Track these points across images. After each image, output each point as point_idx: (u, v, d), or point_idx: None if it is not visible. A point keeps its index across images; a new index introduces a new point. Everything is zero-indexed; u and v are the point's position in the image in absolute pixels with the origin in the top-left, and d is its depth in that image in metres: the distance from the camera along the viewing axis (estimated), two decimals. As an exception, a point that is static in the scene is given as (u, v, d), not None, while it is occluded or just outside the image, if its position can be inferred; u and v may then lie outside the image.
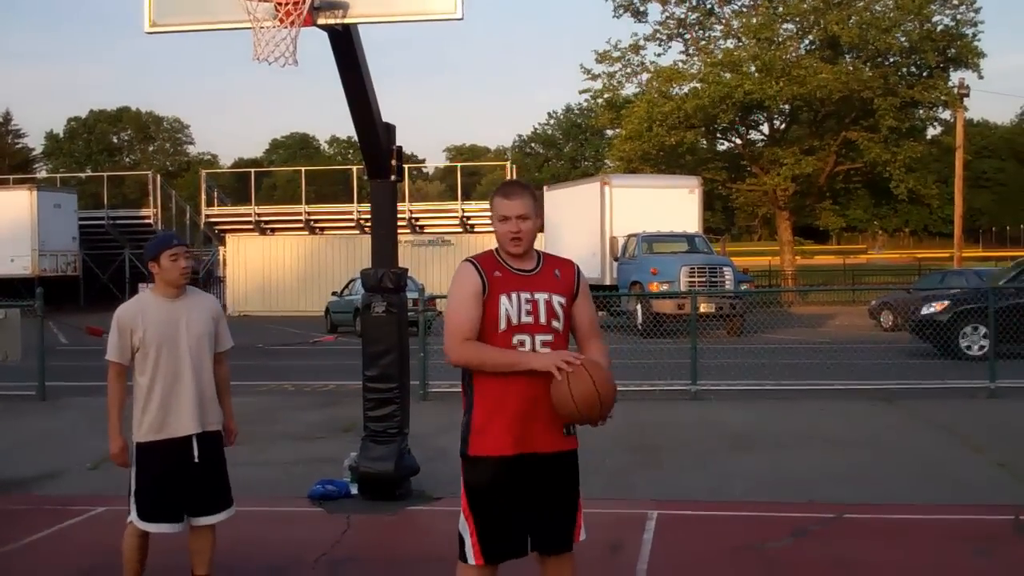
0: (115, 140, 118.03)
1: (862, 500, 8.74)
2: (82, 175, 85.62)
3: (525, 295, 4.62)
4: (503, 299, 4.59)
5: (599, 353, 4.78)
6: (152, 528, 5.80)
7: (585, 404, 4.45)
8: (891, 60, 46.22)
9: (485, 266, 4.66)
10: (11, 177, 59.08)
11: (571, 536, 4.73)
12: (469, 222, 44.31)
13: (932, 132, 53.40)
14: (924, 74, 46.45)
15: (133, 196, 77.07)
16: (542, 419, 4.58)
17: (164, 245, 5.88)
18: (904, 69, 47.08)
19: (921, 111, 48.47)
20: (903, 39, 44.51)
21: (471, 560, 4.61)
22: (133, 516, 5.82)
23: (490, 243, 32.50)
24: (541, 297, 4.64)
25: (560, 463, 4.67)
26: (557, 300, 4.67)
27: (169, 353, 5.79)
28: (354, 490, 9.06)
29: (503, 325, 4.58)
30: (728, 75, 44.65)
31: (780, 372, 16.88)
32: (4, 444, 12.24)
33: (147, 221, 46.18)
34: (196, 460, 5.83)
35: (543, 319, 4.63)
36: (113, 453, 5.83)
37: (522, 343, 4.58)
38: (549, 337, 4.63)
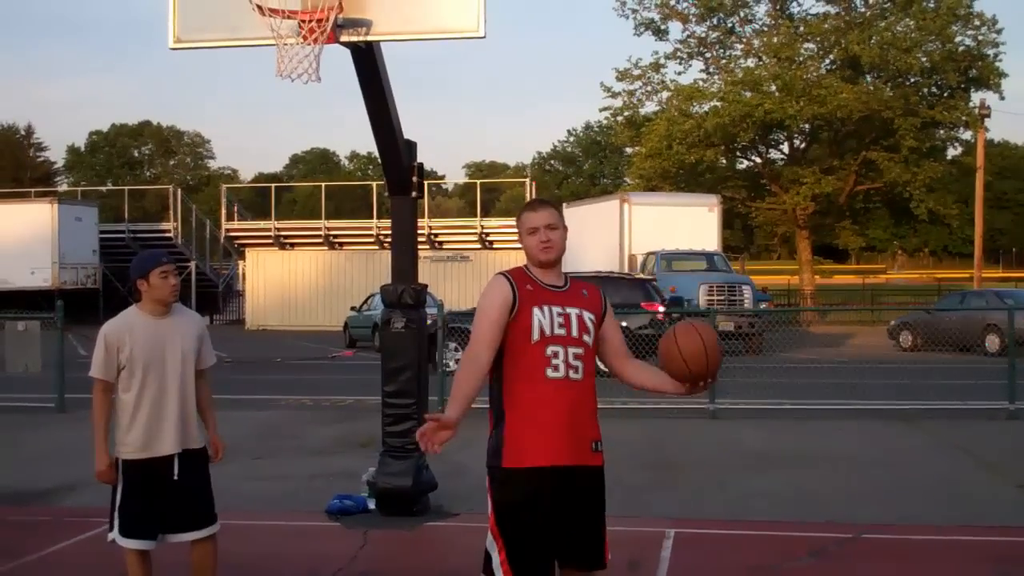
0: (136, 154, 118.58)
1: (880, 521, 8.71)
2: (103, 188, 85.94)
3: (557, 308, 4.65)
4: (536, 311, 4.61)
5: (639, 366, 4.93)
6: (128, 544, 5.77)
7: (693, 359, 4.68)
8: (912, 80, 46.13)
9: (517, 279, 4.69)
10: (33, 190, 59.38)
11: (603, 553, 4.72)
12: (488, 238, 44.30)
13: (953, 152, 53.28)
14: (945, 94, 46.36)
15: (154, 210, 77.50)
16: (573, 432, 4.59)
17: (154, 263, 5.82)
18: (925, 89, 46.99)
19: (942, 131, 48.36)
20: (924, 59, 44.45)
21: None
22: (114, 533, 5.81)
23: (509, 259, 32.63)
24: (573, 311, 4.68)
25: (588, 478, 4.66)
26: (588, 316, 4.72)
27: (156, 372, 5.77)
28: (372, 505, 9.07)
29: (536, 336, 4.59)
30: (748, 94, 44.62)
31: (799, 391, 16.84)
32: (24, 455, 12.31)
33: (167, 235, 46.36)
34: (176, 478, 5.81)
35: (575, 332, 4.65)
36: (99, 471, 5.79)
37: (556, 354, 4.59)
38: (580, 350, 4.65)
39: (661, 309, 21.14)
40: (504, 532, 4.58)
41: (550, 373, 4.59)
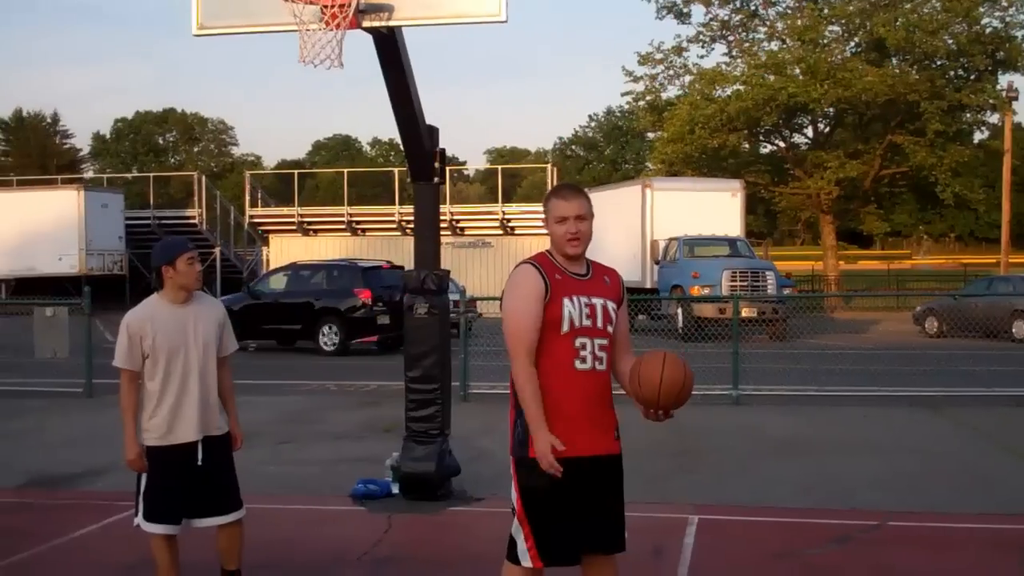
0: (161, 141, 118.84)
1: (906, 508, 8.69)
2: (128, 175, 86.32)
3: (584, 299, 4.64)
4: (566, 302, 4.59)
5: (629, 368, 4.81)
6: (152, 529, 5.83)
7: (670, 388, 4.54)
8: (938, 63, 45.76)
9: (546, 268, 4.66)
10: (59, 177, 59.71)
11: (623, 537, 4.78)
12: (509, 224, 44.30)
13: (979, 136, 52.79)
14: (972, 77, 45.97)
15: (179, 196, 77.67)
16: (597, 422, 4.63)
17: (181, 249, 5.87)
18: (951, 72, 46.58)
19: (968, 115, 47.88)
20: (951, 42, 44.09)
21: (527, 563, 4.61)
22: (139, 518, 5.87)
23: (531, 244, 32.54)
24: (598, 302, 4.67)
25: (611, 466, 4.70)
26: (611, 305, 4.72)
27: (178, 360, 5.81)
28: (396, 490, 9.10)
29: (566, 327, 4.59)
30: (772, 77, 44.39)
31: (823, 378, 16.78)
32: (52, 440, 12.39)
33: (192, 221, 46.54)
34: (200, 464, 5.86)
35: (600, 323, 4.67)
36: (130, 459, 5.85)
37: (583, 346, 4.61)
38: (605, 341, 4.68)
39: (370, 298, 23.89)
40: (531, 519, 4.61)
41: (578, 365, 4.60)
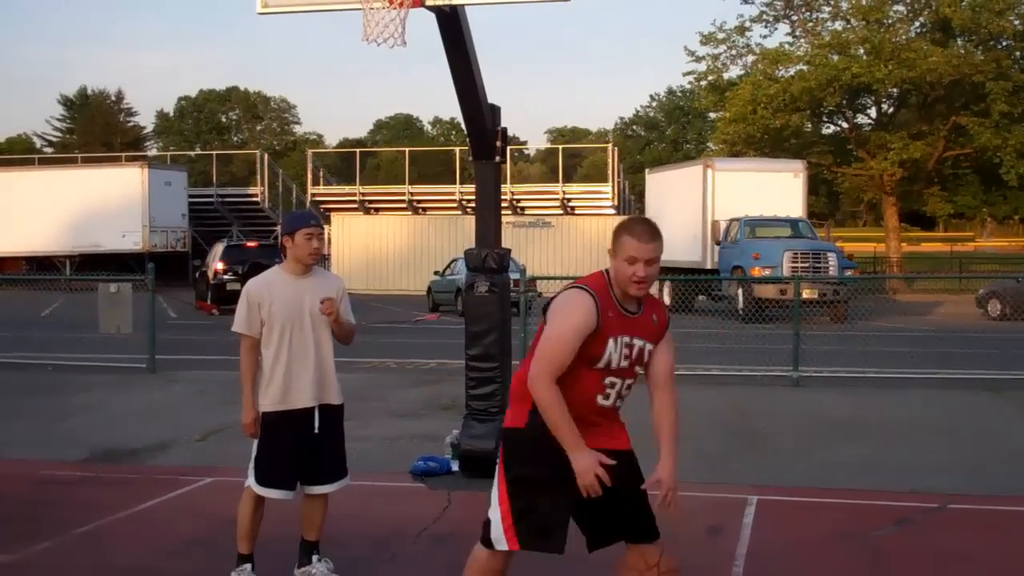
0: (223, 119, 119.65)
1: (967, 491, 8.62)
2: (192, 153, 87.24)
3: (625, 339, 4.50)
4: (610, 342, 4.46)
5: (672, 403, 4.67)
6: (267, 493, 6.00)
7: None
8: (1004, 43, 45.09)
9: (602, 302, 4.46)
10: (123, 155, 60.43)
11: (654, 525, 4.62)
12: (569, 204, 44.26)
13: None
14: (1039, 57, 45.28)
15: (241, 174, 78.42)
16: (606, 442, 4.54)
17: (302, 223, 6.08)
18: (1017, 53, 45.91)
19: (1034, 96, 47.20)
20: (1017, 22, 43.43)
21: (501, 546, 4.56)
22: (251, 481, 6.02)
23: (590, 225, 32.41)
24: (638, 343, 4.54)
25: (619, 459, 4.50)
26: (648, 348, 4.59)
27: (293, 328, 5.99)
28: (455, 467, 9.17)
29: (601, 365, 4.48)
30: (836, 57, 43.97)
31: (884, 360, 16.65)
32: (116, 415, 12.59)
33: (255, 199, 46.99)
34: (316, 431, 6.03)
35: (634, 366, 4.58)
36: (246, 423, 6.03)
37: (612, 384, 4.52)
38: (631, 381, 4.62)
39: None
40: (513, 499, 4.54)
41: (600, 401, 4.55)
